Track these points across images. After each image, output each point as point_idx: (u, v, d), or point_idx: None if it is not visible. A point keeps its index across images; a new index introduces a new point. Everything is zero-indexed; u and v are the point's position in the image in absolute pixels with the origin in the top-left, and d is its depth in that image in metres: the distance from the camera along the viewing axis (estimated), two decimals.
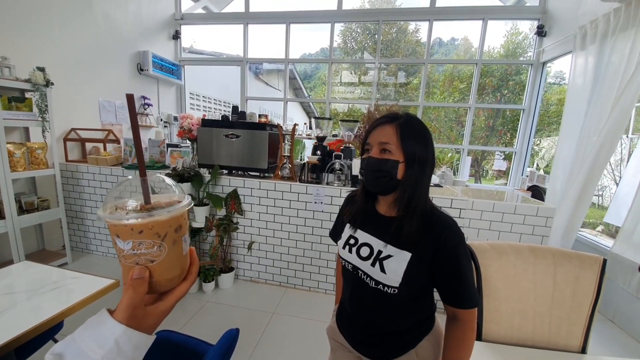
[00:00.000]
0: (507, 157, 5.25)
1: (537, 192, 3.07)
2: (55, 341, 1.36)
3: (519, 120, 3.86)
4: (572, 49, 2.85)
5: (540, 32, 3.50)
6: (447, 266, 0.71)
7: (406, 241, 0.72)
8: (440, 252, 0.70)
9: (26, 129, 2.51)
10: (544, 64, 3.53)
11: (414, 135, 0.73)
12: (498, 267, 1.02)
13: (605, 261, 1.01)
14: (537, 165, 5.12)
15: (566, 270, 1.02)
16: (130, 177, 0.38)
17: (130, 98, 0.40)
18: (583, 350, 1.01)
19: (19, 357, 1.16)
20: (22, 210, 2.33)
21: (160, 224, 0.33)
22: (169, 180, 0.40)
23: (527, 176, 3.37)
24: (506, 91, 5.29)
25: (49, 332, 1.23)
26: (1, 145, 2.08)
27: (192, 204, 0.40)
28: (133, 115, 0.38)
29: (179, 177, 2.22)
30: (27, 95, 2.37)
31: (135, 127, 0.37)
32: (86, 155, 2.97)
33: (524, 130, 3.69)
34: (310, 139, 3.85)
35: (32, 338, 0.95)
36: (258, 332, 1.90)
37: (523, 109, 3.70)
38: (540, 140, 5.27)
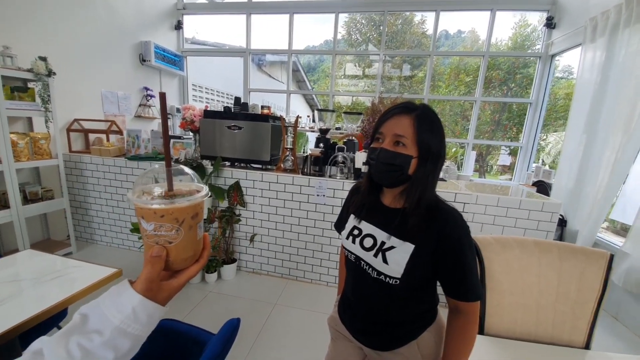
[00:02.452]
0: (513, 152, 5.19)
1: (543, 188, 3.04)
2: (60, 329, 1.38)
3: (525, 114, 3.79)
4: (582, 42, 2.78)
5: (550, 23, 3.41)
6: (451, 258, 0.70)
7: (410, 233, 0.71)
8: (444, 244, 0.69)
9: (29, 119, 2.52)
10: (553, 56, 3.45)
11: (431, 129, 0.70)
12: (502, 261, 1.01)
13: (612, 256, 0.99)
14: (543, 160, 5.06)
15: (572, 265, 1.01)
16: (157, 166, 0.42)
17: (162, 96, 0.45)
18: (587, 346, 1.00)
19: (23, 344, 1.17)
20: (26, 200, 2.35)
21: (179, 211, 0.38)
22: (189, 170, 0.43)
23: (533, 171, 3.33)
24: (513, 85, 5.20)
25: (53, 319, 1.24)
26: (5, 135, 2.08)
27: (209, 195, 0.43)
28: (164, 112, 0.43)
29: None
30: (30, 85, 2.36)
31: (164, 123, 0.42)
32: (89, 146, 2.97)
33: (530, 124, 3.63)
34: (313, 131, 3.83)
35: (36, 325, 0.96)
36: (260, 322, 1.92)
37: (530, 103, 3.63)
38: (546, 136, 5.20)
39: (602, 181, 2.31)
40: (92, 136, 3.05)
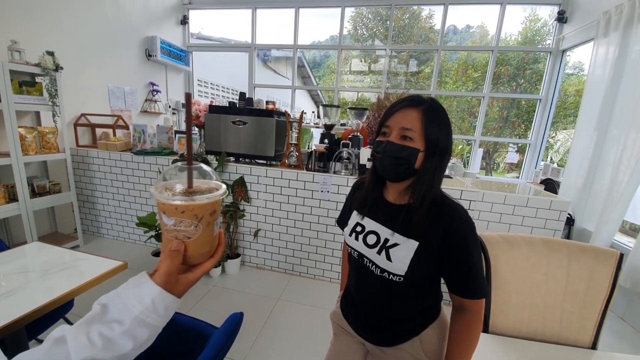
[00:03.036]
0: (521, 150, 5.10)
1: (551, 186, 2.99)
2: (66, 320, 1.40)
3: (534, 111, 3.72)
4: (595, 36, 2.70)
5: (561, 18, 3.33)
6: (457, 255, 0.68)
7: (415, 229, 0.70)
8: (450, 241, 0.68)
9: (37, 114, 2.54)
10: (564, 52, 3.37)
11: (439, 123, 0.69)
12: (509, 259, 0.99)
13: (622, 256, 0.97)
14: (551, 158, 4.97)
15: (581, 264, 0.99)
16: (179, 163, 0.43)
17: (188, 96, 0.47)
18: (593, 346, 0.98)
19: (30, 334, 1.19)
20: (34, 193, 2.39)
21: (199, 208, 0.39)
22: (207, 168, 0.44)
23: (541, 169, 3.27)
24: (522, 80, 5.10)
25: (59, 310, 1.27)
26: (13, 128, 2.11)
27: (227, 193, 0.45)
28: (189, 112, 0.46)
29: None
30: (37, 79, 2.38)
31: (189, 123, 0.45)
32: (96, 141, 3.00)
33: (539, 121, 3.56)
34: (318, 127, 3.81)
35: (43, 316, 0.97)
36: (263, 316, 1.93)
37: (540, 99, 3.56)
38: (555, 133, 5.10)
39: (620, 180, 2.21)
40: (98, 131, 3.08)
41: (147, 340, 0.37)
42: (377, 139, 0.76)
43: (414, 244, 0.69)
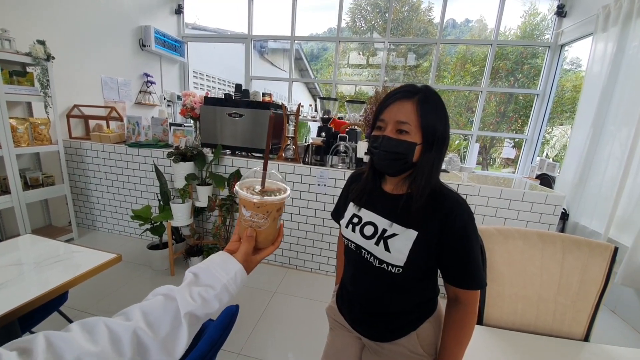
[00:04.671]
0: (517, 145, 5.12)
1: (546, 181, 3.01)
2: (60, 312, 1.39)
3: (531, 106, 3.73)
4: (593, 31, 2.69)
5: (561, 11, 3.31)
6: (455, 245, 0.68)
7: (413, 219, 0.69)
8: (448, 230, 0.67)
9: (29, 105, 2.49)
10: (562, 46, 3.36)
11: (435, 113, 0.67)
12: (504, 252, 0.99)
13: (616, 249, 0.98)
14: (547, 154, 5.00)
15: (574, 258, 1.00)
16: (257, 169, 0.54)
17: (271, 119, 0.60)
18: (586, 338, 0.99)
19: (23, 327, 1.18)
20: (27, 185, 2.35)
21: (269, 205, 0.49)
22: (276, 172, 0.55)
23: (537, 164, 3.29)
24: (520, 75, 5.09)
25: (54, 302, 1.25)
26: (4, 119, 2.06)
27: (290, 195, 0.54)
28: (270, 131, 0.56)
29: (182, 156, 2.20)
30: (28, 69, 2.33)
31: (268, 140, 0.56)
32: (89, 133, 2.95)
33: (536, 116, 3.57)
34: (315, 121, 3.78)
35: (36, 308, 0.96)
36: (259, 309, 1.94)
37: (537, 94, 3.56)
38: (552, 128, 5.12)
39: (615, 176, 2.22)
40: (92, 123, 3.03)
41: (226, 304, 0.46)
42: (372, 134, 0.74)
43: (413, 234, 0.69)
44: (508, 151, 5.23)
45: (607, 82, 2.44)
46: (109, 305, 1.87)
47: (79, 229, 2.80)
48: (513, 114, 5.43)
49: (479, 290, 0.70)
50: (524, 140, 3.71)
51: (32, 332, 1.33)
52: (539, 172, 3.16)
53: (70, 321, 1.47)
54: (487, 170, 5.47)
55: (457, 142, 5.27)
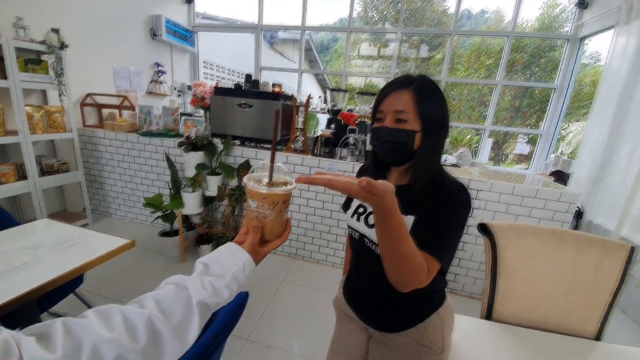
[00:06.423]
0: (531, 141, 4.99)
1: (561, 177, 2.93)
2: (77, 295, 1.44)
3: (548, 101, 3.61)
4: (615, 23, 2.57)
5: (582, 2, 3.16)
6: (436, 209, 0.66)
7: (412, 204, 0.68)
8: (439, 201, 0.67)
9: (44, 93, 2.54)
10: (582, 39, 3.22)
11: (431, 100, 0.68)
12: (516, 248, 0.98)
13: (633, 249, 0.95)
14: (562, 151, 4.87)
15: (588, 256, 0.97)
16: (264, 161, 0.55)
17: (277, 113, 0.58)
18: (597, 338, 0.98)
19: (41, 307, 1.23)
20: (42, 172, 2.42)
21: (275, 196, 0.50)
22: (282, 166, 0.55)
23: (552, 161, 3.20)
24: (537, 69, 4.93)
25: (70, 285, 1.30)
26: (20, 107, 2.11)
27: (295, 187, 0.54)
28: (276, 125, 0.56)
29: (193, 145, 2.22)
30: (43, 58, 2.36)
31: (275, 132, 0.55)
32: (102, 121, 3.00)
33: (553, 111, 3.46)
34: (324, 113, 3.75)
35: (53, 289, 1.00)
36: (267, 297, 1.97)
37: (555, 88, 3.44)
38: (568, 124, 4.97)
39: (634, 174, 2.15)
40: (105, 112, 3.07)
41: (235, 293, 0.47)
42: (373, 126, 0.74)
43: (410, 219, 0.69)
44: (522, 147, 5.09)
45: (628, 77, 2.34)
46: (123, 289, 1.93)
47: (94, 215, 2.88)
48: (528, 109, 5.28)
49: (437, 264, 0.63)
50: (539, 135, 3.61)
51: (50, 313, 1.39)
52: (554, 169, 3.08)
53: (86, 303, 1.53)
54: (499, 166, 5.36)
55: (468, 136, 5.17)
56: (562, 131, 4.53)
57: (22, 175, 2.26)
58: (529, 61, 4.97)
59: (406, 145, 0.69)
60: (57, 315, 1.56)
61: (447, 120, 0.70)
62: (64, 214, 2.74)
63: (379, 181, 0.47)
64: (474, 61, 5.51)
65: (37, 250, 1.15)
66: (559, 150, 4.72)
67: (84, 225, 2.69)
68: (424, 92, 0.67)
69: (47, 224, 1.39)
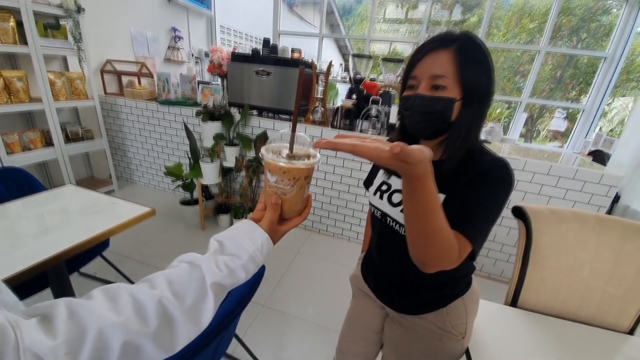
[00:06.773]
0: (570, 117, 4.57)
1: (600, 158, 2.70)
2: (103, 257, 1.52)
3: (595, 72, 3.23)
4: None
5: None
6: (474, 186, 0.58)
7: (442, 182, 0.59)
8: (471, 179, 0.58)
9: (64, 60, 2.54)
10: None
11: (476, 63, 0.57)
12: (554, 235, 0.90)
13: None
14: (601, 128, 4.46)
15: (635, 247, 0.88)
16: (283, 130, 0.49)
17: (301, 71, 0.51)
18: (631, 332, 0.92)
19: (69, 269, 1.30)
20: (68, 139, 2.49)
21: (296, 171, 0.44)
22: (305, 135, 0.50)
23: (592, 139, 2.94)
24: (585, 35, 4.37)
25: (97, 248, 1.36)
26: (42, 73, 2.13)
27: (320, 160, 0.48)
28: (299, 88, 0.49)
29: (210, 115, 2.18)
30: (61, 22, 2.33)
31: (298, 99, 0.49)
32: (122, 89, 3.01)
33: (600, 84, 3.11)
34: (345, 82, 3.57)
35: (82, 252, 1.04)
36: (283, 267, 2.02)
37: (605, 57, 3.06)
38: (613, 99, 4.49)
39: None
40: (124, 79, 3.07)
41: (252, 273, 0.44)
42: (403, 95, 0.64)
43: (440, 198, 0.61)
44: (558, 122, 4.68)
45: None
46: (147, 254, 2.03)
47: (119, 182, 3.00)
48: (570, 80, 4.77)
49: (470, 246, 0.56)
50: (581, 111, 3.29)
51: (80, 273, 1.48)
52: (593, 148, 2.83)
53: (112, 265, 1.61)
54: (531, 143, 5.02)
55: (498, 110, 4.81)
56: (606, 107, 4.11)
57: (48, 142, 2.34)
58: (577, 25, 4.40)
59: (443, 116, 0.59)
60: (87, 275, 1.67)
61: (492, 88, 0.59)
62: (91, 180, 2.86)
63: (414, 147, 0.39)
64: (514, 24, 4.93)
65: (66, 214, 1.19)
66: (599, 128, 4.32)
67: (110, 192, 2.81)
68: (468, 52, 0.57)
69: (74, 189, 1.43)
